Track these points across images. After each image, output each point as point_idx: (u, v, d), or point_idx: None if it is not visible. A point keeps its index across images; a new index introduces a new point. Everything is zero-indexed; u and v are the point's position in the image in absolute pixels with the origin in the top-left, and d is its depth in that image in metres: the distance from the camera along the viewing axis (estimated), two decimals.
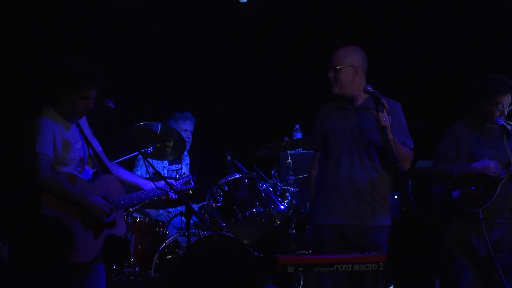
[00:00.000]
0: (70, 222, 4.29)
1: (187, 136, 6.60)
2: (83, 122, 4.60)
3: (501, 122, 5.26)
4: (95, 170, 4.61)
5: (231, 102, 8.08)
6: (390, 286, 4.53)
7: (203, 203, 6.20)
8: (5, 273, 5.54)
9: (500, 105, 5.08)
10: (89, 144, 4.56)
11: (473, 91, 5.19)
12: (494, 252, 4.96)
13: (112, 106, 4.51)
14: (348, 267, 4.16)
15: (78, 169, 4.47)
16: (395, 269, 3.00)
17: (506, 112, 5.14)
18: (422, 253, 2.96)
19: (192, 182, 5.17)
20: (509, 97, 5.12)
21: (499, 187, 5.06)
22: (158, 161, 6.42)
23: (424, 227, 3.05)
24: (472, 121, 5.25)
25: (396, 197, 7.06)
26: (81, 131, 4.54)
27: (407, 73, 7.74)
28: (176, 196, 4.76)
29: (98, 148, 4.64)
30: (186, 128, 6.69)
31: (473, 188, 5.09)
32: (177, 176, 5.20)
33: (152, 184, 4.66)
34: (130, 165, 6.41)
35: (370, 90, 4.63)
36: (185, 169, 6.75)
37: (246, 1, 7.61)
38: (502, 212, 5.11)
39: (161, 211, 6.52)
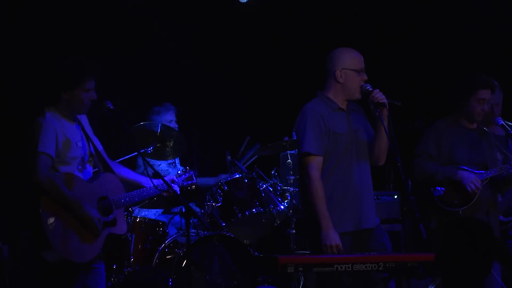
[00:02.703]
0: (69, 221, 4.29)
1: (174, 126, 6.57)
2: (85, 120, 4.61)
3: (501, 122, 5.30)
4: (96, 169, 4.61)
5: (231, 102, 8.07)
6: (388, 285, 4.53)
7: (201, 209, 6.20)
8: (6, 273, 5.54)
9: (482, 100, 5.13)
10: (90, 142, 4.57)
11: (455, 87, 5.25)
12: None
13: (111, 107, 4.52)
14: (348, 267, 4.16)
15: (80, 167, 4.47)
16: (444, 269, 2.99)
17: (487, 108, 5.18)
18: (473, 255, 2.95)
19: (194, 178, 5.17)
20: (490, 92, 5.18)
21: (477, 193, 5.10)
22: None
23: (478, 229, 3.03)
24: (453, 120, 5.28)
25: (396, 197, 7.07)
26: (82, 129, 4.55)
27: (407, 73, 7.74)
28: (178, 191, 4.79)
29: (100, 147, 4.65)
30: (170, 118, 6.64)
31: (455, 188, 5.11)
32: (179, 172, 5.21)
33: (156, 182, 4.65)
34: (129, 166, 6.40)
35: (370, 89, 4.63)
36: (178, 162, 6.74)
37: (246, 1, 7.61)
38: (480, 213, 5.14)
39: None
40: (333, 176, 4.65)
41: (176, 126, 6.63)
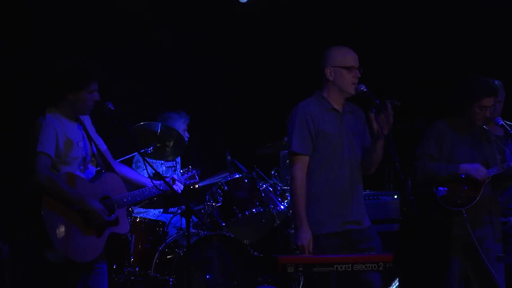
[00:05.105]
0: (70, 221, 4.29)
1: (185, 136, 6.60)
2: (87, 120, 4.62)
3: (501, 122, 5.30)
4: (99, 168, 4.62)
5: (231, 102, 8.08)
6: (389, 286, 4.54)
7: (201, 206, 6.20)
8: (5, 273, 5.55)
9: (484, 107, 5.11)
10: (92, 142, 4.57)
11: (458, 92, 5.21)
12: (476, 250, 5.02)
13: (112, 108, 4.53)
14: (348, 267, 4.16)
15: (81, 167, 4.48)
16: (403, 267, 3.02)
17: (488, 114, 5.17)
18: (429, 252, 2.99)
19: (197, 177, 5.19)
20: (492, 100, 5.16)
21: (483, 187, 5.10)
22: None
23: (432, 226, 3.07)
24: (453, 121, 5.27)
25: (396, 197, 7.06)
26: (84, 129, 4.56)
27: (407, 73, 7.74)
28: (182, 189, 4.81)
29: (103, 147, 4.66)
30: (184, 128, 6.68)
31: (458, 188, 5.11)
32: (181, 171, 5.22)
33: (156, 182, 4.65)
34: (129, 167, 6.41)
35: (364, 90, 4.63)
36: (178, 167, 6.75)
37: (246, 1, 7.62)
38: (483, 212, 5.14)
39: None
40: (322, 176, 4.66)
41: (188, 135, 6.64)
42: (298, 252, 4.56)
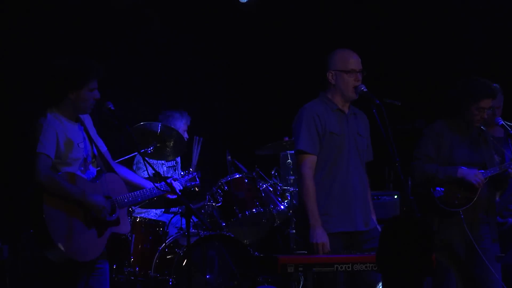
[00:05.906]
0: (71, 221, 4.30)
1: (185, 136, 6.59)
2: (88, 121, 4.62)
3: (501, 122, 5.29)
4: (99, 168, 4.62)
5: (231, 102, 8.08)
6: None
7: (202, 202, 6.20)
8: (5, 273, 5.55)
9: (482, 109, 5.11)
10: (93, 143, 4.58)
11: (455, 93, 5.21)
12: (473, 251, 5.02)
13: (112, 108, 4.53)
14: (348, 267, 4.17)
15: (82, 168, 4.48)
16: (384, 268, 3.03)
17: (487, 116, 5.17)
18: (412, 253, 2.99)
19: (197, 179, 5.19)
20: (491, 101, 5.15)
21: (480, 188, 5.11)
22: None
23: (417, 227, 3.07)
24: (451, 121, 5.26)
25: (396, 197, 7.06)
26: (85, 130, 4.56)
27: (407, 73, 7.75)
28: (180, 188, 4.81)
29: (103, 148, 4.66)
30: (185, 128, 6.67)
31: (455, 188, 5.11)
32: (182, 173, 5.22)
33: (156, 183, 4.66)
34: (129, 167, 6.40)
35: (364, 90, 4.63)
36: (178, 166, 6.75)
37: (246, 1, 7.62)
38: (480, 212, 5.15)
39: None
40: (329, 177, 4.65)
41: (187, 136, 6.62)
42: (298, 252, 4.56)
